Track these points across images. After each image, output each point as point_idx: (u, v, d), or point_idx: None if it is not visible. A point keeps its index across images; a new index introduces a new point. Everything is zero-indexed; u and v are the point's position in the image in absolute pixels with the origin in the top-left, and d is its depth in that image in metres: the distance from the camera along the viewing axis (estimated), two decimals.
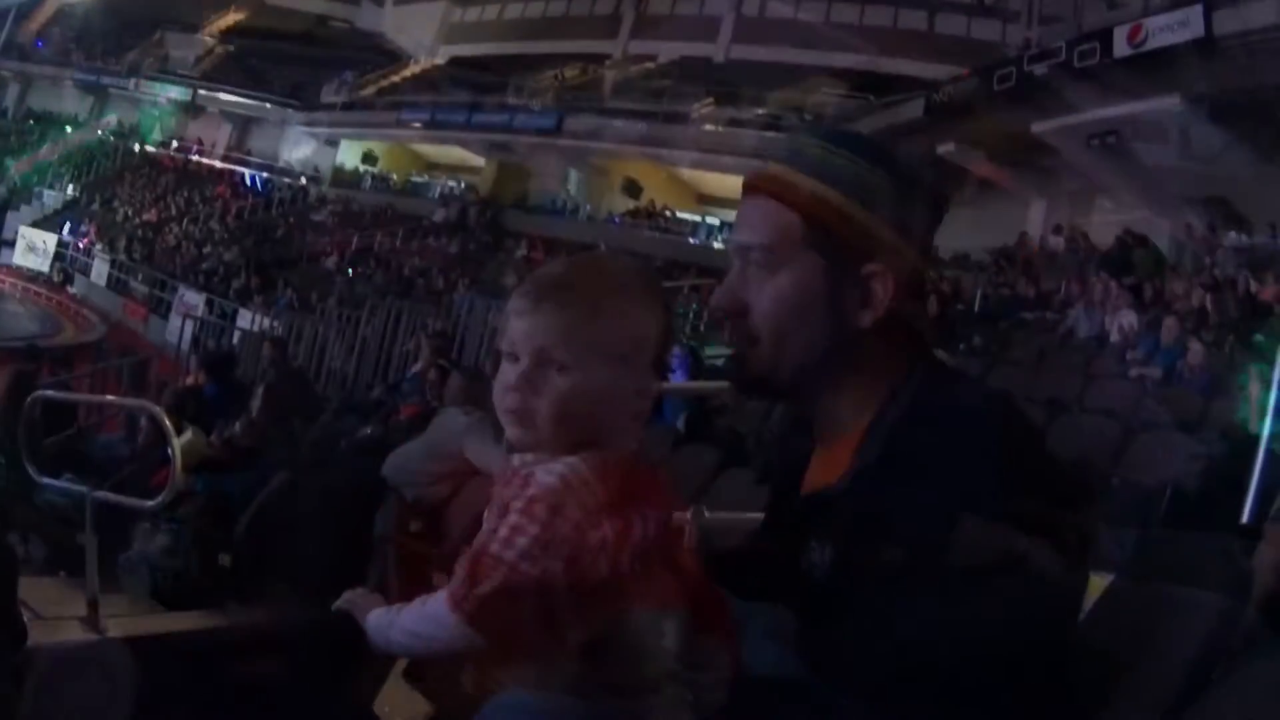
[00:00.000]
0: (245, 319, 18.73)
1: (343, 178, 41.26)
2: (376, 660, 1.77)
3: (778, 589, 1.49)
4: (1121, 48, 17.64)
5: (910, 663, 1.24)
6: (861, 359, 1.46)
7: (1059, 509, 1.30)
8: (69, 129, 46.87)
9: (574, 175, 36.79)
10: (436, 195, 38.66)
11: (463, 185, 38.91)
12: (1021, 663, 1.25)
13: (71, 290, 32.42)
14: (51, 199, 41.87)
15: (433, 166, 41.63)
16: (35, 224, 38.76)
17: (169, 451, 5.84)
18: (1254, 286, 12.71)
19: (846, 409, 1.48)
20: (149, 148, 45.48)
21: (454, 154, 39.41)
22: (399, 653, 1.51)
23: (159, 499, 5.53)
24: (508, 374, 1.44)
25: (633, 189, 34.32)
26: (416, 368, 10.25)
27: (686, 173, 32.68)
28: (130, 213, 39.19)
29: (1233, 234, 17.72)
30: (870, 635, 1.29)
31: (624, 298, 1.43)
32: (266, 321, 16.33)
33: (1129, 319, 11.59)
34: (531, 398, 1.40)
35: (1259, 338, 10.30)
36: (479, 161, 38.67)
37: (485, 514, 1.45)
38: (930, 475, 1.31)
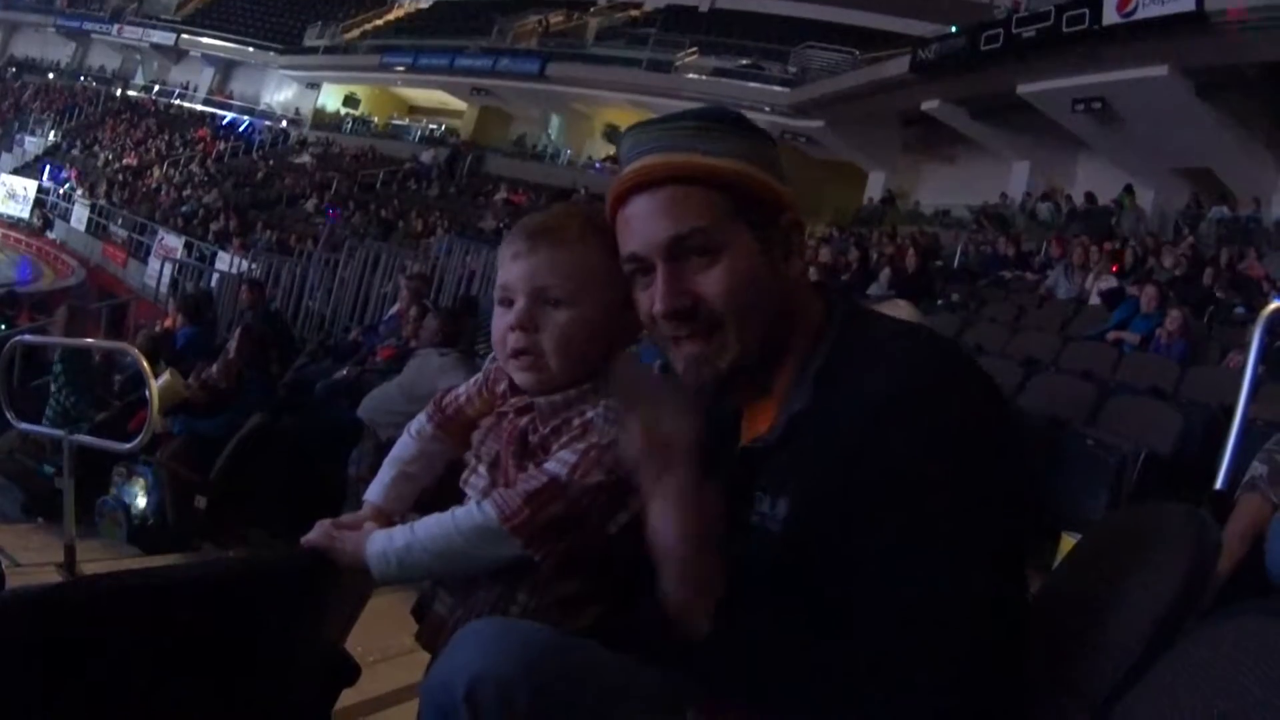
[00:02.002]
0: (224, 261, 18.60)
1: (324, 120, 41.02)
2: (348, 600, 1.78)
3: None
4: (1111, 15, 17.53)
5: (872, 603, 1.27)
6: (794, 310, 1.49)
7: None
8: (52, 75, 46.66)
9: (555, 120, 36.66)
10: (417, 138, 38.50)
11: (443, 128, 38.76)
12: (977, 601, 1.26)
13: (51, 235, 32.24)
14: (33, 145, 41.57)
15: (414, 110, 41.40)
16: (16, 171, 38.48)
17: (146, 394, 5.80)
18: (1240, 262, 12.79)
19: (775, 362, 1.50)
20: (130, 92, 45.24)
21: (436, 97, 39.18)
22: (414, 572, 1.56)
23: (135, 441, 5.49)
24: (505, 318, 1.56)
25: (614, 135, 34.26)
26: (394, 309, 10.25)
27: None
28: (111, 157, 38.91)
29: (1216, 208, 17.81)
30: (829, 580, 1.31)
31: (601, 235, 1.54)
32: (245, 264, 16.23)
33: (1108, 284, 11.63)
34: (533, 334, 1.53)
35: (1240, 310, 10.37)
36: (461, 105, 38.46)
37: (497, 439, 1.63)
38: (862, 409, 1.33)
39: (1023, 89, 20.55)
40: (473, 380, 1.77)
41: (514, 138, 37.54)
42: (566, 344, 1.53)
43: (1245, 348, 4.90)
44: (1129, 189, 19.85)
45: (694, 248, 1.44)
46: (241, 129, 41.33)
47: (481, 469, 1.64)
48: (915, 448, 1.29)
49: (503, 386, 1.67)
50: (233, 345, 7.29)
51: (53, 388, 7.17)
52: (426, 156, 35.08)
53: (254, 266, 15.36)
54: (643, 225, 1.47)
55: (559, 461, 1.50)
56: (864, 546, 1.29)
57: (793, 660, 1.33)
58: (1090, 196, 20.02)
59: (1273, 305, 4.63)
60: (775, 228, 1.49)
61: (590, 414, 1.53)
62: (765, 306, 1.45)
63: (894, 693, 1.25)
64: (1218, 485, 3.81)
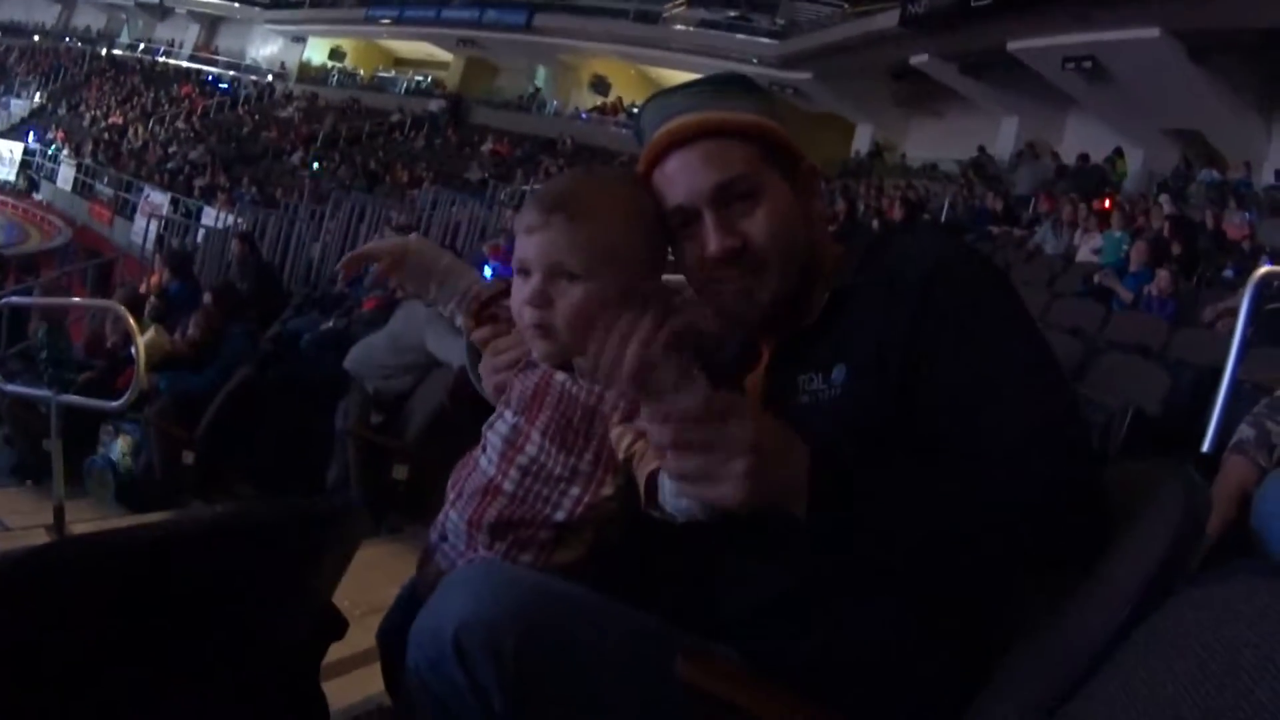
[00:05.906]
0: (210, 216, 18.51)
1: (309, 73, 40.82)
2: (337, 553, 1.78)
3: None
4: None
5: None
6: (821, 247, 1.62)
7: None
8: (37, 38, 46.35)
9: (542, 71, 36.52)
10: (403, 90, 38.32)
11: (429, 80, 38.61)
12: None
13: (37, 196, 32.10)
14: (19, 107, 41.38)
15: (400, 62, 41.19)
16: (1, 134, 38.20)
17: (132, 351, 5.79)
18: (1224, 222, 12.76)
19: (804, 296, 1.59)
20: (115, 51, 44.95)
21: (422, 49, 38.99)
22: None
23: (122, 399, 5.48)
24: (522, 290, 1.54)
25: (601, 85, 34.15)
26: None
27: (655, 70, 32.31)
28: (98, 115, 38.78)
29: (1205, 171, 17.74)
30: (907, 425, 1.40)
31: (621, 205, 1.55)
32: (231, 218, 16.17)
33: (1096, 243, 11.61)
34: (547, 310, 1.51)
35: (1229, 274, 10.34)
36: (447, 57, 38.26)
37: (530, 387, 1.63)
38: (914, 268, 1.47)
39: (1013, 45, 20.47)
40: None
41: (525, 92, 37.19)
42: (582, 320, 1.47)
43: (1234, 310, 4.92)
44: (1119, 152, 19.76)
45: (737, 194, 1.53)
46: (223, 86, 41.07)
47: (508, 414, 1.64)
48: (979, 288, 1.45)
49: None
50: (207, 300, 7.28)
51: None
52: (435, 105, 35.20)
53: (240, 221, 15.30)
54: (686, 178, 1.55)
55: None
56: (949, 383, 1.39)
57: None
58: (1083, 155, 19.88)
59: (1263, 269, 4.66)
60: (798, 173, 1.60)
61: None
62: (800, 243, 1.56)
63: (1013, 474, 1.31)
64: (1204, 448, 3.83)
